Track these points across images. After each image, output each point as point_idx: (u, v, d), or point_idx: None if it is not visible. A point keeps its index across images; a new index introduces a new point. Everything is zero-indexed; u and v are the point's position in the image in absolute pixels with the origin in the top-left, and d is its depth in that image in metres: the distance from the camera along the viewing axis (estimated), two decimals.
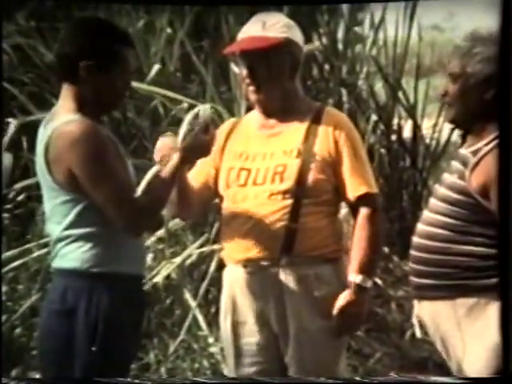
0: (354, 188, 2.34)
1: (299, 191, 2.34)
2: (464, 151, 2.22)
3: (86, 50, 2.13)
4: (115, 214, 2.10)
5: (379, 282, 4.08)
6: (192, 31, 4.32)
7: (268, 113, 2.40)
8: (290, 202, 2.34)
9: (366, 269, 2.32)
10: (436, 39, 7.07)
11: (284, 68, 2.36)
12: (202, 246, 3.84)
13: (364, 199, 2.35)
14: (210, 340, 3.58)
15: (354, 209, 2.38)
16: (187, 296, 3.68)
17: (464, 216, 2.18)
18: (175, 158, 2.22)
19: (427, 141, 4.48)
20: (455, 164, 2.23)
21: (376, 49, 4.56)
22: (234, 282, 2.39)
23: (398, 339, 3.87)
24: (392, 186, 4.48)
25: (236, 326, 2.39)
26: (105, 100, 2.17)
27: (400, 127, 4.50)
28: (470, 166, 2.17)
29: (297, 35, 2.38)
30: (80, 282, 2.15)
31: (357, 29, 4.59)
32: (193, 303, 3.66)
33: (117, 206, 2.10)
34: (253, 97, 2.38)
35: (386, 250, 4.21)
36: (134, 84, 4.02)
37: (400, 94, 4.48)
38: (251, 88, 2.36)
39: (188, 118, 3.65)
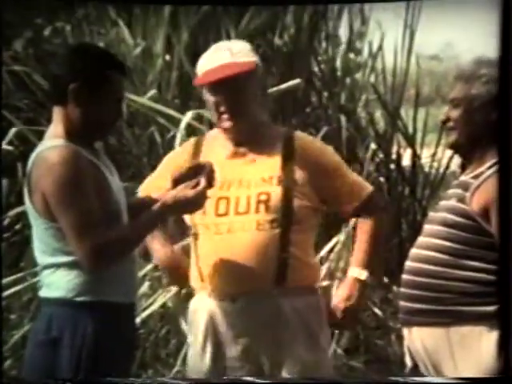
0: (352, 197, 2.36)
1: (286, 219, 2.32)
2: (464, 178, 2.19)
3: (77, 73, 2.11)
4: (75, 245, 2.06)
5: (379, 312, 4.05)
6: (189, 54, 4.33)
7: (239, 141, 2.37)
8: (278, 231, 2.31)
9: (365, 263, 2.35)
10: (435, 69, 7.13)
11: (256, 94, 2.35)
12: None
13: (365, 203, 2.36)
14: None
15: (354, 215, 2.39)
16: (183, 325, 3.63)
17: (464, 239, 2.14)
18: (161, 205, 2.14)
19: (426, 170, 4.49)
20: (453, 191, 2.20)
21: (374, 77, 4.60)
22: (217, 317, 2.32)
23: (398, 371, 3.81)
24: (391, 215, 4.48)
25: (218, 361, 2.33)
26: (92, 126, 2.14)
27: (399, 156, 4.51)
28: (471, 188, 2.14)
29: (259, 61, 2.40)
30: (65, 311, 2.10)
31: (355, 57, 4.61)
32: None
33: (77, 237, 2.06)
34: (226, 124, 2.34)
35: (386, 279, 4.18)
36: (136, 98, 4.11)
37: (399, 123, 4.49)
38: (225, 116, 2.33)
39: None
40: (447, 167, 4.41)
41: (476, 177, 2.16)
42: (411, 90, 4.76)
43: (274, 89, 4.23)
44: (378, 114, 4.62)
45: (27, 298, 3.72)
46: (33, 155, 2.13)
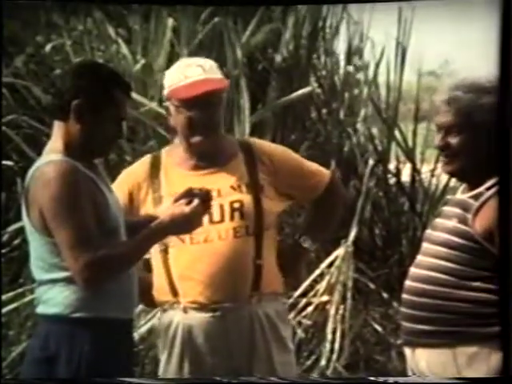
0: (316, 187, 2.44)
1: (258, 225, 2.36)
2: (462, 197, 2.18)
3: (80, 89, 2.11)
4: (69, 261, 2.05)
5: (379, 328, 4.04)
6: None
7: (202, 155, 2.40)
8: (252, 237, 2.36)
9: (314, 237, 2.48)
10: (433, 85, 7.17)
11: (223, 111, 2.40)
12: None
13: (327, 189, 2.45)
14: None
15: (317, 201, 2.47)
16: None
17: (467, 261, 2.12)
18: (159, 224, 2.14)
19: (426, 185, 4.49)
20: (450, 209, 2.18)
21: (373, 92, 4.60)
22: (195, 329, 2.33)
23: None
24: (391, 231, 4.47)
25: (197, 374, 2.34)
26: (93, 143, 2.14)
27: (398, 171, 4.51)
28: (472, 210, 2.12)
29: None
30: (62, 327, 2.08)
31: (354, 72, 4.65)
32: None
33: (72, 252, 2.05)
34: (197, 139, 2.36)
35: (386, 295, 4.18)
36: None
37: (398, 138, 4.51)
38: (196, 131, 2.35)
39: None
40: (447, 183, 4.40)
41: (475, 197, 2.14)
42: (410, 105, 4.77)
43: (286, 98, 4.28)
44: (377, 130, 4.63)
45: (25, 314, 3.71)
46: (31, 170, 2.13)
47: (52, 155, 2.11)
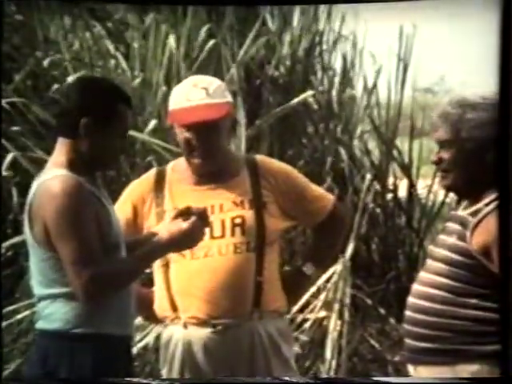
0: (319, 211, 2.43)
1: (260, 242, 2.36)
2: (461, 213, 2.18)
3: (87, 106, 2.12)
4: (71, 275, 2.05)
5: (376, 344, 4.03)
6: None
7: (205, 174, 2.40)
8: (253, 254, 2.35)
9: (317, 261, 2.49)
10: (429, 102, 7.21)
11: (227, 132, 2.40)
12: None
13: (330, 214, 2.44)
14: None
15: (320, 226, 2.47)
16: None
17: (465, 278, 2.12)
18: (158, 241, 2.14)
19: (423, 201, 4.49)
20: (452, 225, 2.19)
21: (369, 109, 4.63)
22: (195, 345, 2.33)
23: None
24: (387, 246, 4.48)
25: None
26: (101, 157, 2.15)
27: (395, 186, 4.52)
28: (470, 226, 2.12)
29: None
30: (61, 343, 2.08)
31: (350, 89, 4.66)
32: None
33: (74, 268, 2.06)
34: (196, 161, 2.37)
35: (382, 311, 4.18)
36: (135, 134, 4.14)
37: (395, 154, 4.52)
38: (195, 153, 2.35)
39: None
40: (444, 199, 4.41)
41: (474, 214, 2.14)
42: (406, 122, 4.79)
43: (287, 105, 4.30)
44: (374, 145, 4.65)
45: (18, 330, 3.69)
46: (34, 184, 2.13)
47: (56, 170, 2.12)
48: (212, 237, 2.32)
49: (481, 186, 2.17)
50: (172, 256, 2.34)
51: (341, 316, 3.88)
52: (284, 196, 2.41)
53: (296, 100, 4.32)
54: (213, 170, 2.39)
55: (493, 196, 2.16)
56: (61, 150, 2.16)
